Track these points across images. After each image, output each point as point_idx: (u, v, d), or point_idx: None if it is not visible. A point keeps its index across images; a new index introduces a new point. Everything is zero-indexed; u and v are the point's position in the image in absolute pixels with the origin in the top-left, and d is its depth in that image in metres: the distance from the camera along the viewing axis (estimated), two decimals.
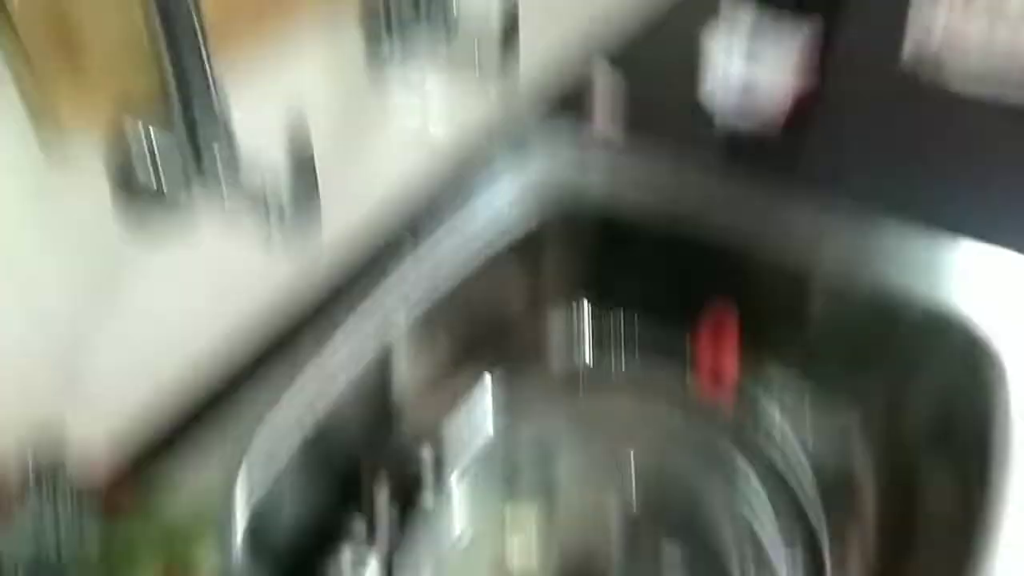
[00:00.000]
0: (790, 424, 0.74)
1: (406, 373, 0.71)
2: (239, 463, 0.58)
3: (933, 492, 0.62)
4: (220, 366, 0.61)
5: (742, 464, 0.69)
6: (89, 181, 0.48)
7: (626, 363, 0.79)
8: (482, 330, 0.78)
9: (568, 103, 0.85)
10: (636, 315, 0.79)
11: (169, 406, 0.59)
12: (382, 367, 0.68)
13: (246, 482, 0.58)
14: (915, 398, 0.68)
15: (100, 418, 0.54)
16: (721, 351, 0.74)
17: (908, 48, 0.88)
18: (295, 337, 0.63)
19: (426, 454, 0.64)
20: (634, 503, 0.63)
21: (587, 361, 0.80)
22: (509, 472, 0.64)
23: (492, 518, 0.62)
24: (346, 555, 0.62)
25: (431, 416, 0.71)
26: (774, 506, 0.66)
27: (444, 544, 0.62)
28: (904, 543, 0.63)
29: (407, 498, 0.65)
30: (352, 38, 0.63)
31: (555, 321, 0.83)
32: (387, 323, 0.67)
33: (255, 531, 0.56)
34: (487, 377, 0.76)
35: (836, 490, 0.70)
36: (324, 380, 0.62)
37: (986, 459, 0.55)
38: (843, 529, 0.67)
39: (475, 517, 0.63)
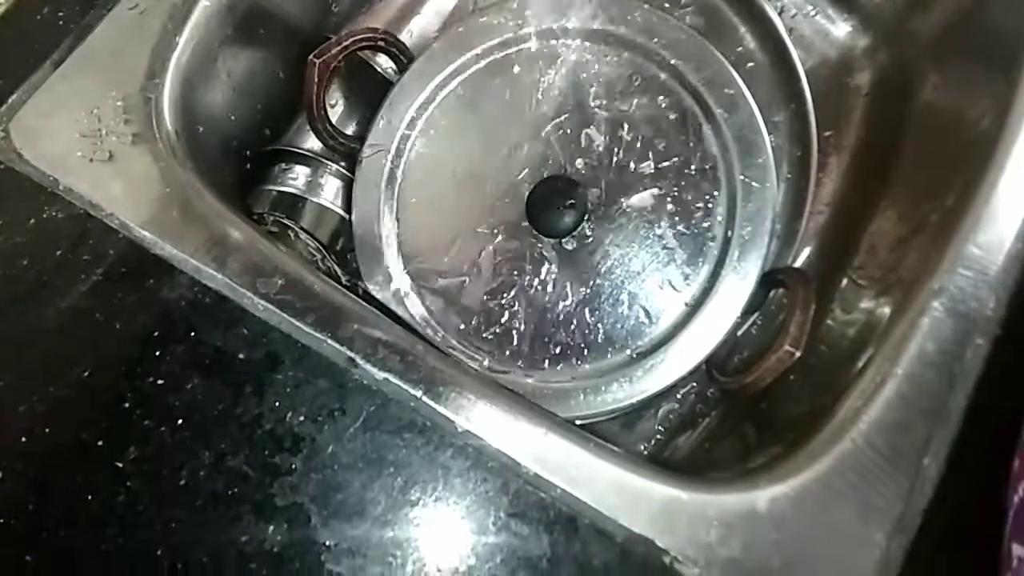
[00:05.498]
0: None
1: None
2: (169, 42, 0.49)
3: (946, 98, 0.57)
4: None
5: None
6: None
7: None
8: None
9: None
10: None
11: None
12: None
13: (177, 66, 0.50)
14: None
15: None
16: None
17: None
18: None
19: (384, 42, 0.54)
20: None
21: None
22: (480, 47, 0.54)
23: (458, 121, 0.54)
24: (300, 169, 0.56)
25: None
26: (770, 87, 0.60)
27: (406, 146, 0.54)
28: (893, 155, 0.59)
29: (368, 96, 0.57)
30: None
31: None
32: None
33: (189, 129, 0.50)
34: None
35: (836, 90, 0.64)
36: None
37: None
38: (839, 134, 0.63)
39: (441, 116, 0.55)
